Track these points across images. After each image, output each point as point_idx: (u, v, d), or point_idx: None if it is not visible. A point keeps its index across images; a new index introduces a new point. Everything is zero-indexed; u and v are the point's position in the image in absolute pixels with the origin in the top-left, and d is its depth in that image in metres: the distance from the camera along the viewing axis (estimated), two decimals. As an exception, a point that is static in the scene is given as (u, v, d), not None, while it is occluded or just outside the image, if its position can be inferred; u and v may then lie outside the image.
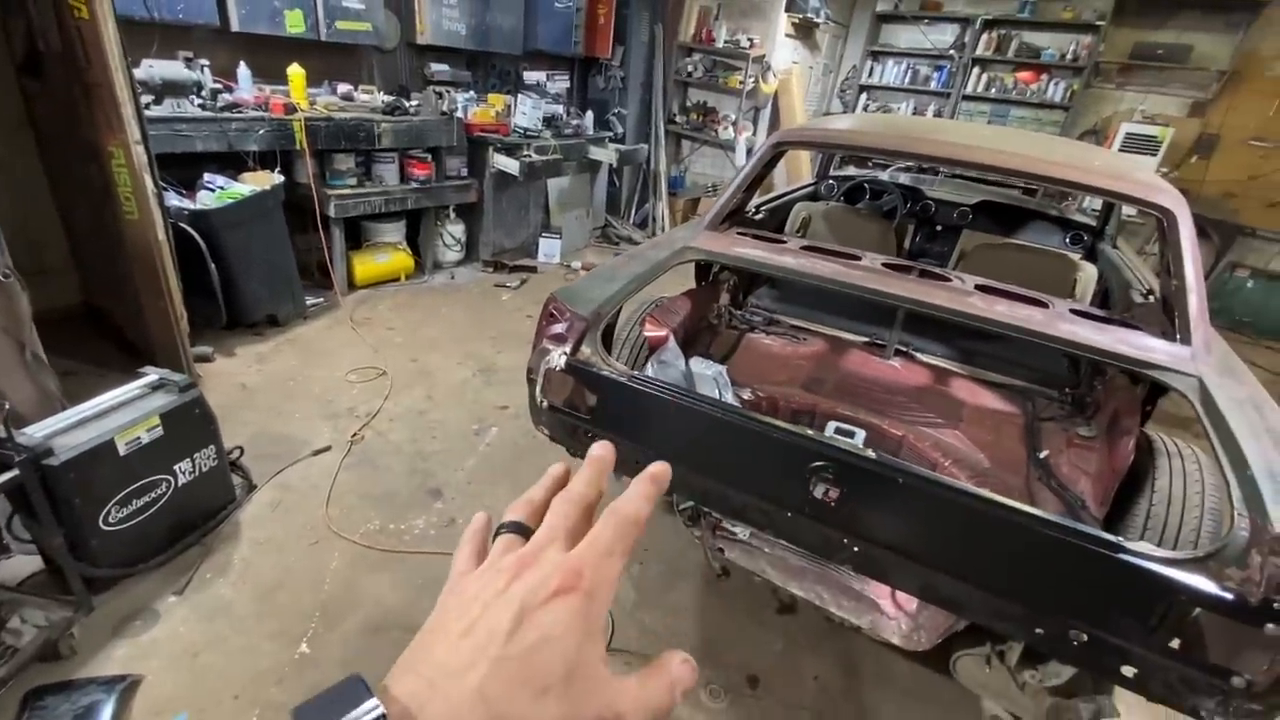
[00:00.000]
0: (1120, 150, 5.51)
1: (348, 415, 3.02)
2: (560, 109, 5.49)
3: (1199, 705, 1.23)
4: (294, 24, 3.82)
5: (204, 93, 3.39)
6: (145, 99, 2.98)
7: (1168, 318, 1.87)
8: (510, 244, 5.33)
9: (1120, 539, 1.21)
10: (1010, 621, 1.37)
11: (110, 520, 1.91)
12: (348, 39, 4.13)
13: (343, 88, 4.24)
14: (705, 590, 2.24)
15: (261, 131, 3.51)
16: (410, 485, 2.60)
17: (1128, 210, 3.13)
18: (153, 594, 1.99)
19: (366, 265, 4.47)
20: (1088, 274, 2.56)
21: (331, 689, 0.27)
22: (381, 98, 4.39)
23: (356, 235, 4.58)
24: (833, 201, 3.51)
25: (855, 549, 1.48)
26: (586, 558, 0.31)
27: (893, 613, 1.68)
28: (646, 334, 2.12)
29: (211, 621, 1.94)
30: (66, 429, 1.85)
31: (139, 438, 1.96)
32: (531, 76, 5.67)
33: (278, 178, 3.56)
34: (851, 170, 4.10)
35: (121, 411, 1.98)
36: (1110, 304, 2.60)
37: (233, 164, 3.55)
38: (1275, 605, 1.10)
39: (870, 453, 1.40)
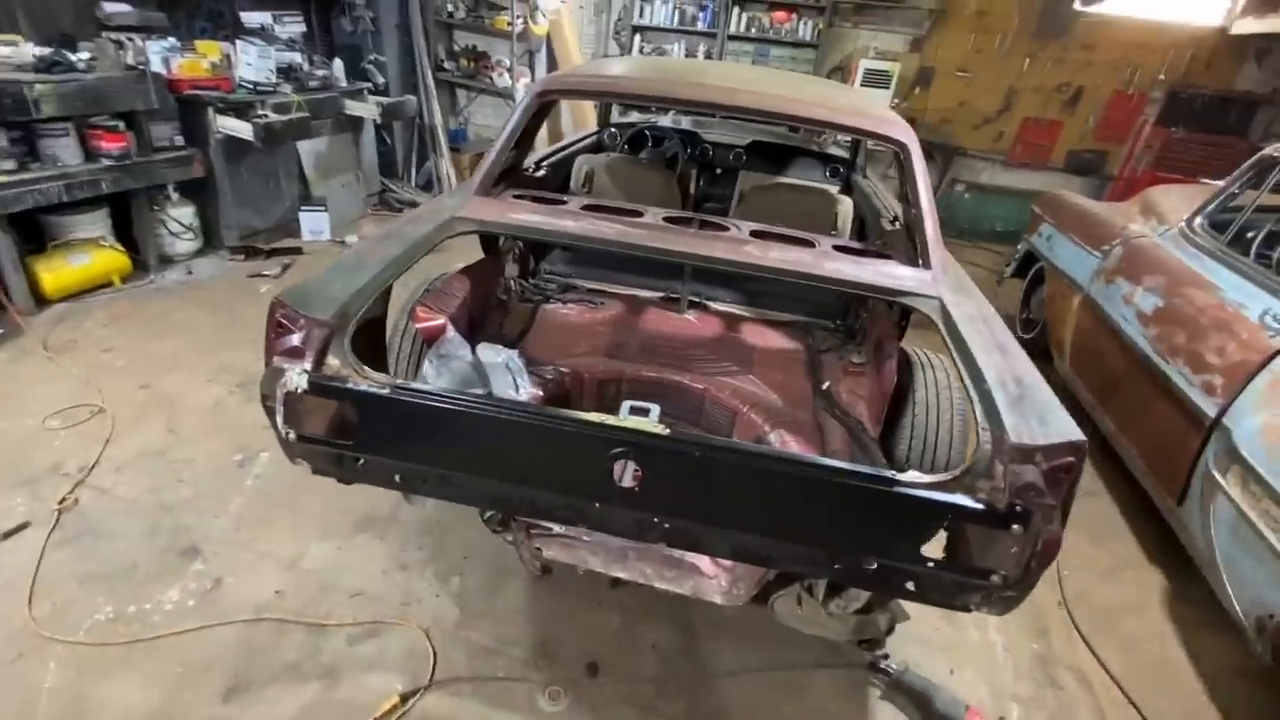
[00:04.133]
0: (861, 85, 6.10)
1: (52, 475, 2.34)
2: (299, 57, 4.66)
3: (968, 602, 1.37)
4: None
5: None
6: None
7: (910, 243, 2.05)
8: (263, 224, 4.52)
9: (892, 473, 1.27)
10: (812, 565, 1.42)
11: None
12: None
13: (-40, 37, 3.14)
14: (534, 586, 2.11)
15: None
16: (153, 550, 2.09)
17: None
18: None
19: (57, 272, 3.48)
20: (845, 207, 2.75)
21: None
22: (32, 50, 3.34)
23: (39, 236, 3.54)
24: (616, 152, 3.40)
25: (666, 526, 1.43)
26: None
27: (711, 573, 1.69)
28: (419, 326, 1.85)
29: None
30: None
31: None
32: (253, 19, 4.70)
33: None
34: (635, 117, 4.02)
35: None
36: (865, 232, 2.84)
37: None
38: (1018, 507, 1.23)
39: (664, 430, 1.33)
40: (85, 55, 3.48)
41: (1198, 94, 5.90)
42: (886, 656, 1.72)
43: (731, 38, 6.67)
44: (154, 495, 2.30)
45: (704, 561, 1.72)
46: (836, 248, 1.96)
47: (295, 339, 1.43)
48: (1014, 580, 1.29)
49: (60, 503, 2.21)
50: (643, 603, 2.08)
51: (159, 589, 1.96)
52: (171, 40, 4.01)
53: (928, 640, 2.09)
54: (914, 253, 1.97)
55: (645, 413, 1.46)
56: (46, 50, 3.34)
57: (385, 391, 1.38)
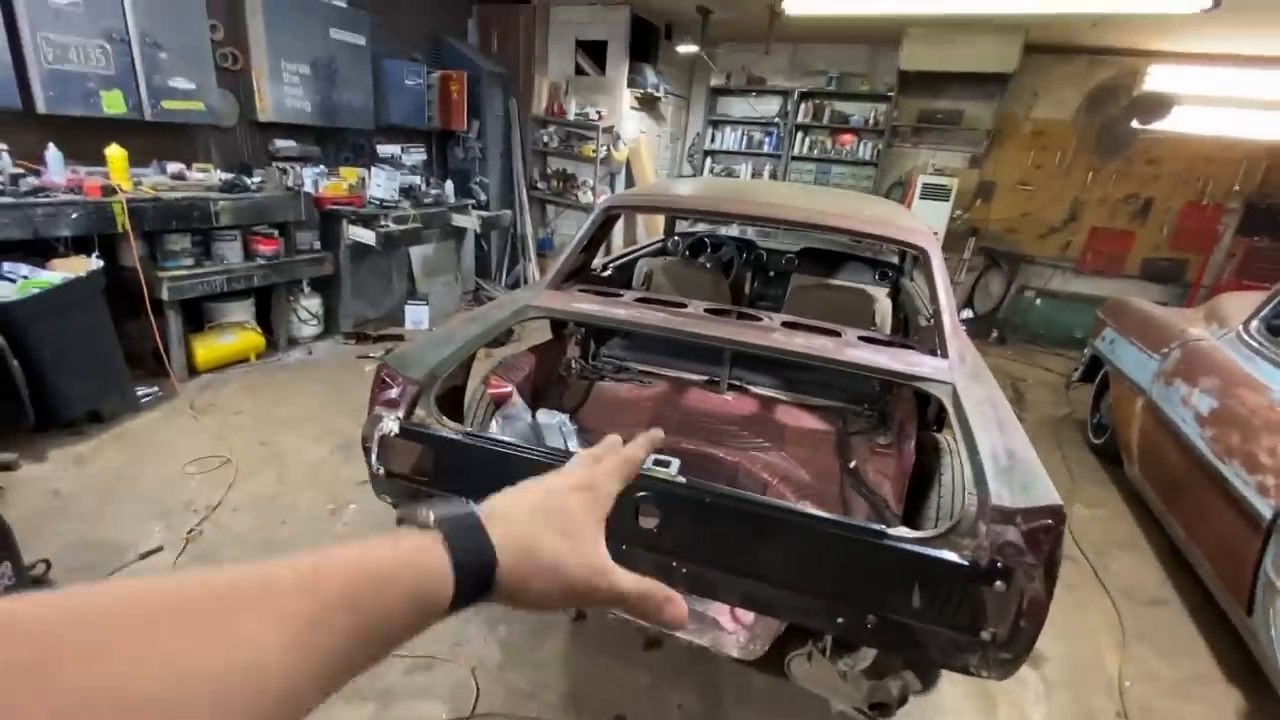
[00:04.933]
0: (920, 198, 6.43)
1: (184, 510, 2.79)
2: (418, 180, 5.56)
3: (967, 662, 1.44)
4: (112, 105, 3.65)
5: (2, 178, 3.13)
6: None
7: (936, 336, 2.23)
8: (374, 314, 5.23)
9: (880, 526, 1.42)
10: (815, 615, 1.54)
11: None
12: (178, 118, 3.99)
13: (173, 167, 4.07)
14: (571, 640, 2.26)
15: (75, 215, 3.28)
16: (256, 577, 2.43)
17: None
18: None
19: (210, 348, 4.20)
20: (885, 305, 2.97)
21: (441, 498, 0.42)
22: (219, 175, 4.25)
23: (199, 317, 4.31)
24: (676, 256, 3.82)
25: (684, 570, 1.61)
26: (597, 473, 0.51)
27: (731, 628, 1.82)
28: (490, 391, 2.20)
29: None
30: None
31: (-95, 564, 1.73)
32: (386, 150, 5.71)
33: (95, 263, 3.31)
34: (701, 228, 4.50)
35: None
36: (908, 329, 3.03)
37: (40, 251, 3.27)
38: (999, 565, 1.34)
39: (681, 478, 1.55)
40: (258, 179, 4.37)
41: (1277, 206, 5.80)
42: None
43: (796, 158, 7.27)
44: (261, 532, 2.69)
45: (723, 615, 1.85)
46: (861, 337, 2.18)
47: (393, 393, 1.80)
48: (1004, 639, 1.37)
49: (188, 533, 2.63)
50: (673, 666, 2.18)
51: (256, 610, 2.27)
52: (322, 167, 4.96)
53: (962, 733, 2.04)
54: (935, 345, 2.15)
55: (666, 465, 1.68)
56: (229, 175, 4.25)
57: (458, 437, 1.70)
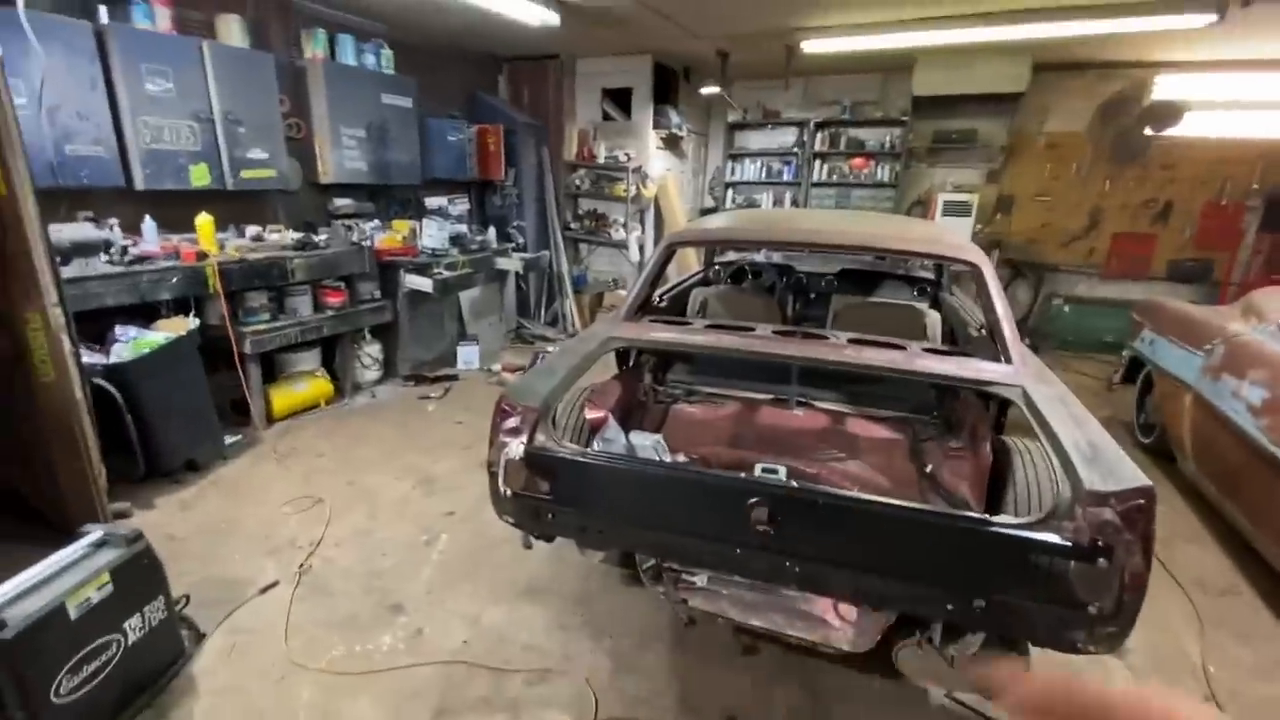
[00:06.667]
0: (942, 215, 6.63)
1: (290, 547, 2.98)
2: (464, 228, 5.86)
3: (1075, 639, 1.57)
4: (199, 178, 3.98)
5: (113, 250, 3.43)
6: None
7: (994, 345, 2.39)
8: (429, 356, 5.47)
9: (985, 515, 1.57)
10: (925, 604, 1.67)
11: (61, 691, 1.82)
12: (253, 186, 4.32)
13: (251, 230, 4.38)
14: (675, 649, 2.39)
15: (174, 280, 3.57)
16: (369, 605, 2.60)
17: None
18: (107, 767, 1.88)
19: (285, 396, 4.44)
20: (933, 319, 3.14)
21: None
22: (290, 235, 4.56)
23: (271, 368, 4.57)
24: (722, 285, 4.02)
25: (796, 569, 1.75)
26: None
27: (838, 624, 1.94)
28: (588, 416, 2.38)
29: (180, 781, 1.85)
30: (12, 599, 1.79)
31: (89, 598, 1.92)
32: (433, 202, 6.05)
33: (193, 322, 3.59)
34: (731, 256, 4.71)
35: (67, 574, 1.93)
36: (955, 340, 3.18)
37: (143, 314, 3.55)
38: (1100, 543, 1.48)
39: (793, 483, 1.71)
40: (323, 236, 4.68)
41: (1298, 200, 5.91)
42: None
43: (815, 184, 7.53)
44: (365, 564, 2.86)
45: (830, 613, 1.98)
46: (926, 349, 2.34)
47: (514, 421, 1.98)
48: (1110, 613, 1.50)
49: (300, 567, 2.81)
50: (776, 668, 2.30)
51: (375, 634, 2.44)
52: (376, 221, 5.28)
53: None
54: (996, 353, 2.31)
55: (775, 472, 1.84)
56: (300, 234, 4.55)
57: (582, 458, 1.88)
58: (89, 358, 3.12)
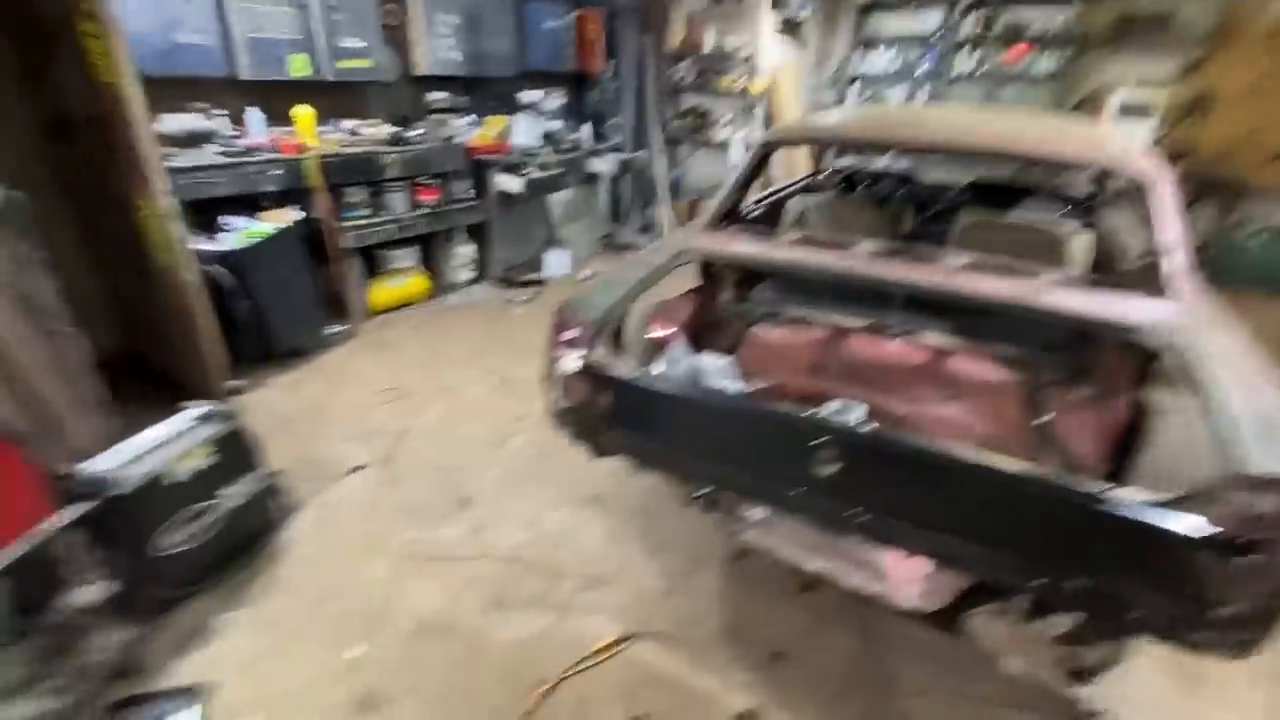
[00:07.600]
0: (1117, 117, 5.52)
1: (379, 434, 3.17)
2: (559, 124, 5.64)
3: (1196, 639, 1.31)
4: (298, 68, 4.01)
5: (222, 140, 3.58)
6: (168, 150, 3.17)
7: (1157, 278, 1.94)
8: (519, 260, 5.48)
9: (1097, 487, 1.29)
10: (1012, 574, 1.45)
11: (170, 545, 2.06)
12: (350, 77, 4.31)
13: (348, 123, 4.42)
14: (730, 578, 2.33)
15: (278, 172, 3.70)
16: (440, 496, 2.74)
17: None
18: (211, 612, 2.14)
19: (384, 291, 4.64)
20: (1081, 242, 2.62)
21: None
22: (386, 130, 4.57)
23: (372, 263, 4.76)
24: (827, 193, 3.60)
25: (862, 518, 1.58)
26: None
27: (903, 578, 1.77)
28: (654, 333, 2.24)
29: (268, 633, 2.08)
30: (128, 462, 2.01)
31: (194, 466, 2.12)
32: (528, 96, 5.82)
33: (298, 214, 3.74)
34: (848, 160, 4.19)
35: (175, 443, 2.13)
36: (1112, 268, 2.65)
37: (248, 206, 3.73)
38: (1247, 538, 1.18)
39: (864, 427, 1.50)
40: (418, 131, 4.65)
41: None
42: (1098, 715, 1.63)
43: (955, 79, 6.50)
44: (441, 457, 3.00)
45: (897, 566, 1.80)
46: (1060, 279, 1.95)
47: (572, 334, 1.88)
48: (1247, 617, 1.22)
49: (385, 454, 2.99)
50: (832, 608, 2.19)
51: (444, 524, 2.57)
52: (472, 116, 5.17)
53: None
54: (1158, 287, 1.87)
55: (851, 410, 1.63)
56: (394, 129, 4.55)
57: (634, 379, 1.75)
58: (204, 245, 3.33)
